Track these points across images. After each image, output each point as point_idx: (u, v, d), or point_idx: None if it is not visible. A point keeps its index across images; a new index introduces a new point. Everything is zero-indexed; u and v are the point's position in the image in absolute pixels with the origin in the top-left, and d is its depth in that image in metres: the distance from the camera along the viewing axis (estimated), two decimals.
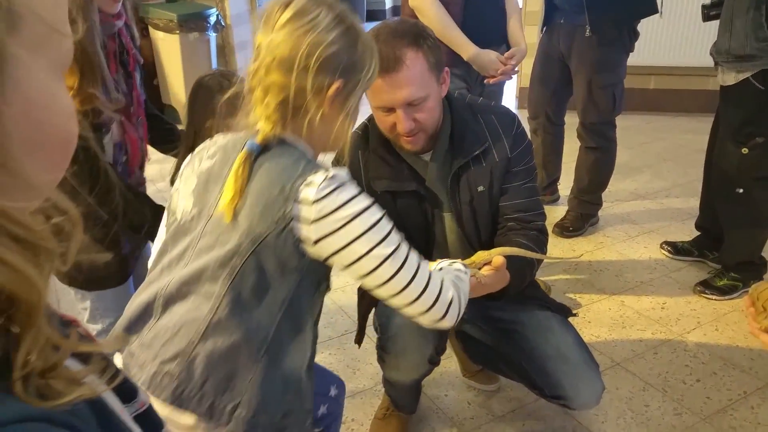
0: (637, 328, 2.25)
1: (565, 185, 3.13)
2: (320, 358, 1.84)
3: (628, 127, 4.29)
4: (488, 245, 1.46)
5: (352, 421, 1.87)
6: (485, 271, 1.29)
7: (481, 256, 1.31)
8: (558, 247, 2.85)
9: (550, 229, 2.94)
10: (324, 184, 0.92)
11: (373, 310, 1.66)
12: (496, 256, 1.30)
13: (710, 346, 2.12)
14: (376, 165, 1.49)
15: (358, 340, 1.73)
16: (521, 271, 1.43)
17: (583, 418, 1.84)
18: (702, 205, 2.62)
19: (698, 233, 2.67)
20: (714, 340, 2.15)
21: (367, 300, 1.68)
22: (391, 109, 1.37)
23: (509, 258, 1.32)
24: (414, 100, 1.34)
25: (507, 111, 1.57)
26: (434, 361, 1.59)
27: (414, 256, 1.01)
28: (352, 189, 0.95)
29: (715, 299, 2.38)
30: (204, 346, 0.96)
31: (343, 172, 0.96)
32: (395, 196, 1.49)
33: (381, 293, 1.00)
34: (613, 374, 2.02)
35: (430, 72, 1.35)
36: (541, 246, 1.53)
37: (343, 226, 0.92)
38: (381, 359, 1.60)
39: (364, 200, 0.95)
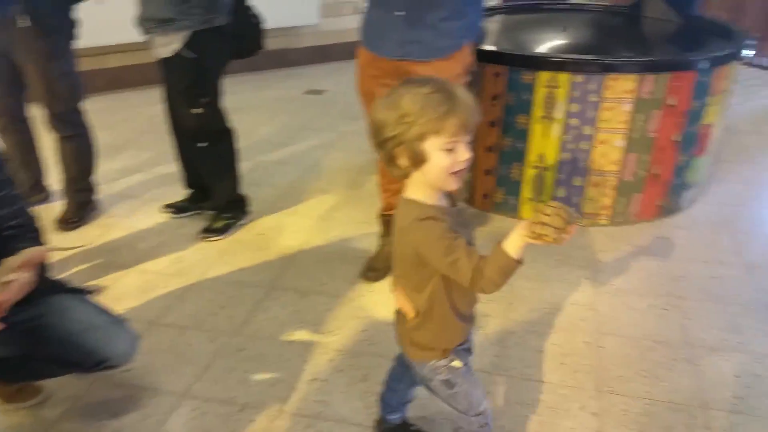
0: (161, 286, 2.46)
1: (55, 179, 3.04)
2: None
3: (101, 109, 4.33)
4: None
5: None
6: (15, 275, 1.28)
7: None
8: (65, 241, 2.80)
9: (51, 227, 2.88)
10: None
11: None
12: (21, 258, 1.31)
13: (223, 277, 2.50)
14: None
15: None
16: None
17: (136, 379, 1.96)
18: (182, 165, 2.95)
19: (190, 190, 3.01)
20: (225, 271, 2.54)
21: None
22: None
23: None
24: None
25: None
26: None
27: None
28: None
29: (218, 239, 2.78)
30: None
31: None
32: None
33: None
34: (155, 332, 2.19)
35: None
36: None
37: None
38: None
39: None
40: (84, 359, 1.59)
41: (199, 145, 2.64)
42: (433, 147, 1.15)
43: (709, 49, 2.83)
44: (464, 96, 1.16)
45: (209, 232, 2.79)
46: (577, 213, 1.13)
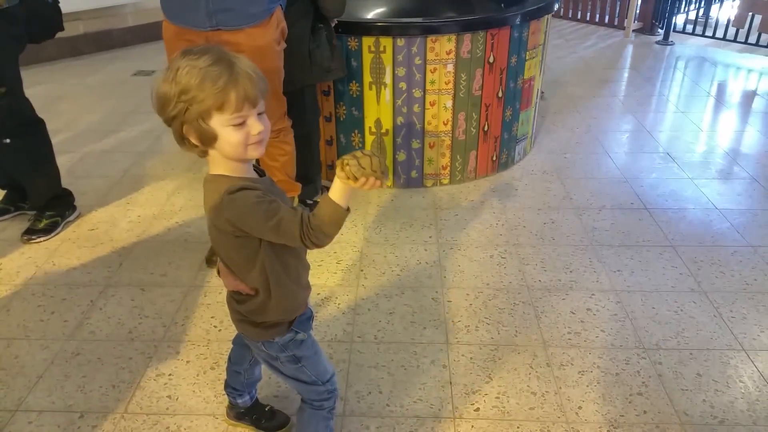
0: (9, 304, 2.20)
1: None
2: None
3: None
4: None
5: None
6: None
7: None
8: None
9: None
10: None
11: None
12: None
13: (53, 280, 2.28)
14: None
15: None
16: None
17: None
18: None
19: (4, 191, 2.71)
20: (55, 273, 2.32)
21: None
22: None
23: None
24: None
25: None
26: None
27: None
28: None
29: (44, 239, 2.53)
30: None
31: None
32: None
33: None
34: None
35: None
36: None
37: None
38: None
39: None
40: None
41: (2, 141, 2.37)
42: (220, 124, 1.09)
43: (523, 5, 2.99)
44: (246, 66, 1.10)
45: (33, 233, 2.54)
46: (385, 174, 1.13)
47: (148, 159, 3.22)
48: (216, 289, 2.20)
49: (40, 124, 2.49)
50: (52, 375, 1.84)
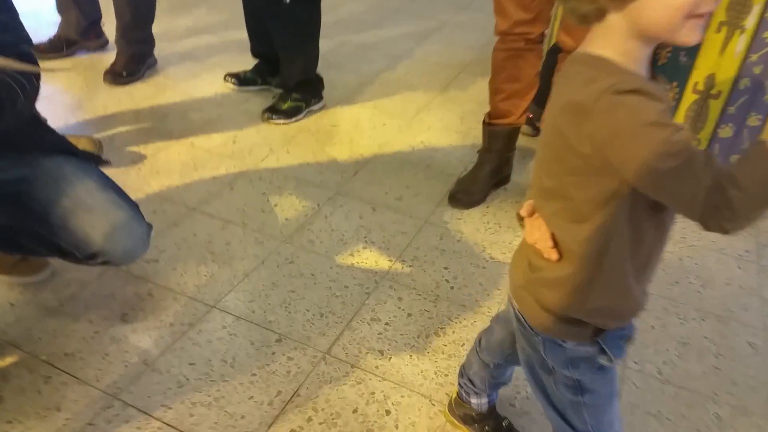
0: (210, 167, 2.05)
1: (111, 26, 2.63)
2: None
3: None
4: None
5: None
6: None
7: None
8: (113, 97, 2.42)
9: (100, 77, 2.50)
10: None
11: None
12: None
13: (283, 169, 2.06)
14: None
15: None
16: None
17: (160, 276, 1.59)
18: (250, 30, 2.46)
19: (256, 61, 2.54)
20: (286, 163, 2.09)
21: None
22: None
23: None
24: None
25: None
26: None
27: None
28: None
29: (283, 123, 2.32)
30: None
31: None
32: None
33: None
34: (190, 221, 1.79)
35: None
36: (31, 78, 1.11)
37: None
38: None
39: None
40: (74, 247, 1.19)
41: (286, 1, 2.09)
42: None
43: None
44: None
45: (274, 112, 2.33)
46: None
47: (404, 64, 2.87)
48: (455, 234, 1.80)
49: None
50: (259, 277, 1.60)
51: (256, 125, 2.31)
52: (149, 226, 1.27)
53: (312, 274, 1.61)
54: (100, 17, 2.70)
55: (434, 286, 1.60)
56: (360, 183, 2.00)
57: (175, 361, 1.36)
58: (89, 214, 1.17)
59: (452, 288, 1.59)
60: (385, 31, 3.23)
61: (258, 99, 2.47)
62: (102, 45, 2.76)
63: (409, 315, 1.50)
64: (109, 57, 2.60)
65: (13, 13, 1.14)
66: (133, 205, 1.25)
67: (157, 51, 2.64)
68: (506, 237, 1.80)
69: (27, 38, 1.16)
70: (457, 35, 3.20)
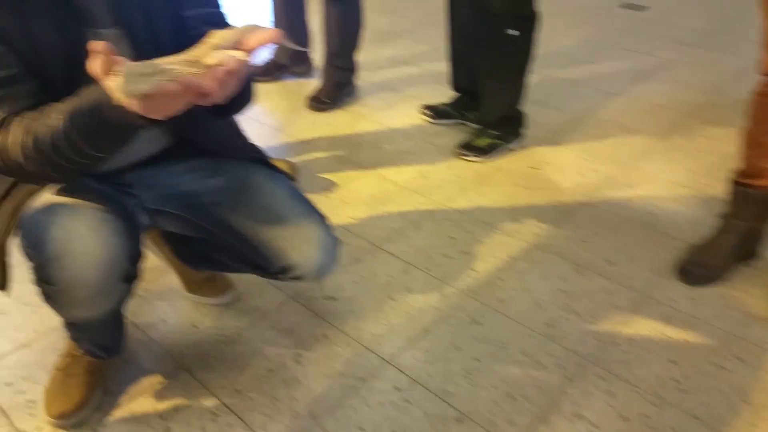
0: (397, 202, 1.93)
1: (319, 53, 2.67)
2: None
3: None
4: None
5: (24, 381, 1.31)
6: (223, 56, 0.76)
7: (225, 35, 0.77)
8: (313, 123, 2.43)
9: (302, 102, 2.54)
10: None
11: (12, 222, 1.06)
12: (246, 31, 0.78)
13: (474, 211, 1.88)
14: None
15: (2, 282, 1.11)
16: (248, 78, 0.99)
17: (336, 317, 1.48)
18: (454, 60, 2.33)
19: (457, 94, 2.40)
20: (478, 205, 1.91)
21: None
22: None
23: None
24: None
25: None
26: (131, 277, 1.06)
27: None
28: None
29: (477, 161, 2.15)
30: None
31: None
32: None
33: None
34: (372, 258, 1.68)
35: None
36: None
37: None
38: (47, 296, 1.02)
39: None
40: (266, 260, 1.13)
41: (509, 32, 1.94)
42: None
43: None
44: None
45: (469, 149, 2.17)
46: None
47: (619, 104, 2.56)
48: (686, 318, 1.46)
49: (537, 20, 2.01)
50: (440, 335, 1.42)
51: (448, 161, 2.16)
52: (338, 240, 1.18)
53: (501, 342, 1.40)
54: (309, 44, 2.77)
55: (657, 385, 1.29)
56: (562, 238, 1.75)
57: (344, 420, 1.22)
58: (283, 226, 1.11)
59: (682, 391, 1.27)
60: (597, 67, 2.94)
61: (452, 133, 2.33)
62: (308, 71, 2.82)
63: (625, 419, 1.21)
64: (312, 83, 2.64)
65: None
66: (323, 218, 1.17)
67: (358, 80, 2.63)
68: (757, 332, 1.42)
69: None
70: (682, 74, 2.81)
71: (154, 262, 1.61)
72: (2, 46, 0.88)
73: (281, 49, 2.72)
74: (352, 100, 2.60)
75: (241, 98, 1.01)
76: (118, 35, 0.98)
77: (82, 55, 0.92)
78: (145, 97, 0.73)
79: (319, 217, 1.15)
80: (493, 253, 1.69)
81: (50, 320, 1.46)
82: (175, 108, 0.78)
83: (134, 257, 1.05)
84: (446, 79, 2.40)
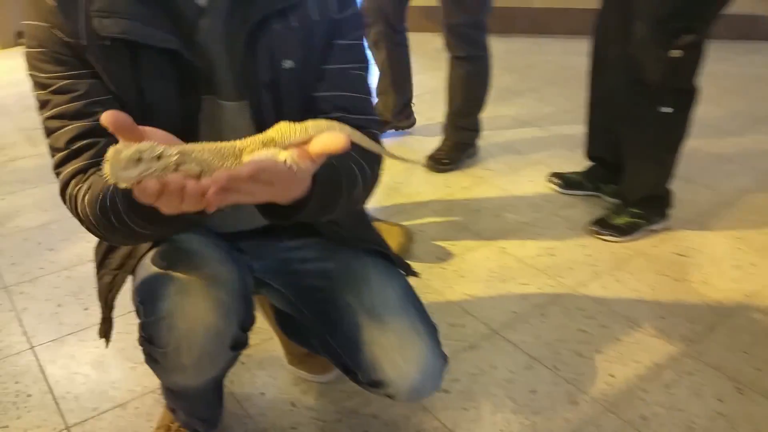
0: (520, 281, 1.75)
1: (434, 109, 2.56)
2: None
3: (510, 50, 3.83)
4: None
5: None
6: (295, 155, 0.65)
7: (287, 130, 0.66)
8: (430, 184, 2.31)
9: (422, 162, 2.43)
10: None
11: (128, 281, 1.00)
12: (319, 130, 0.67)
13: (610, 302, 1.65)
14: None
15: (105, 333, 1.06)
16: (335, 178, 0.82)
17: (448, 414, 1.30)
18: (591, 131, 2.14)
19: (591, 163, 2.20)
20: (614, 294, 1.68)
21: (110, 267, 1.01)
22: None
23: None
24: None
25: None
26: (240, 345, 0.96)
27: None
28: None
29: (614, 241, 1.92)
30: None
31: None
32: (136, 52, 0.82)
33: None
34: (490, 346, 1.50)
35: None
36: (373, 165, 0.93)
37: None
38: (150, 357, 0.94)
39: None
40: (357, 366, 0.98)
41: (662, 110, 1.76)
42: None
43: None
44: None
45: (605, 227, 1.95)
46: None
47: None
48: None
49: (695, 96, 1.80)
50: None
51: (580, 238, 1.95)
52: (445, 361, 1.00)
53: None
54: (411, 97, 2.68)
55: None
56: (718, 345, 1.49)
57: None
58: (383, 332, 0.95)
59: None
60: (747, 141, 2.64)
61: (584, 206, 2.12)
62: (411, 124, 2.74)
63: None
64: (428, 142, 2.53)
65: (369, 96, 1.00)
66: (433, 331, 1.00)
67: (480, 140, 2.49)
68: None
69: (376, 120, 1.00)
70: None
71: (259, 322, 1.52)
72: (109, 95, 0.82)
73: (386, 105, 2.64)
74: (473, 162, 2.47)
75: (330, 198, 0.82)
76: (240, 107, 0.90)
77: (196, 121, 0.87)
78: (137, 186, 0.60)
79: (429, 330, 0.98)
80: (634, 357, 1.45)
81: (149, 380, 1.39)
82: (190, 206, 0.60)
83: (246, 324, 0.95)
84: (575, 145, 2.22)
